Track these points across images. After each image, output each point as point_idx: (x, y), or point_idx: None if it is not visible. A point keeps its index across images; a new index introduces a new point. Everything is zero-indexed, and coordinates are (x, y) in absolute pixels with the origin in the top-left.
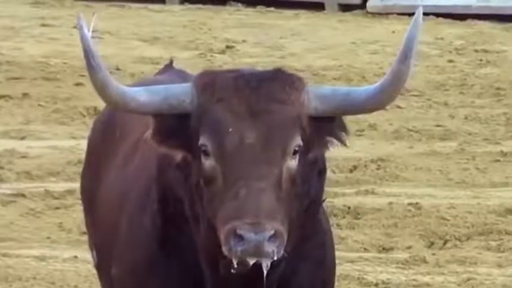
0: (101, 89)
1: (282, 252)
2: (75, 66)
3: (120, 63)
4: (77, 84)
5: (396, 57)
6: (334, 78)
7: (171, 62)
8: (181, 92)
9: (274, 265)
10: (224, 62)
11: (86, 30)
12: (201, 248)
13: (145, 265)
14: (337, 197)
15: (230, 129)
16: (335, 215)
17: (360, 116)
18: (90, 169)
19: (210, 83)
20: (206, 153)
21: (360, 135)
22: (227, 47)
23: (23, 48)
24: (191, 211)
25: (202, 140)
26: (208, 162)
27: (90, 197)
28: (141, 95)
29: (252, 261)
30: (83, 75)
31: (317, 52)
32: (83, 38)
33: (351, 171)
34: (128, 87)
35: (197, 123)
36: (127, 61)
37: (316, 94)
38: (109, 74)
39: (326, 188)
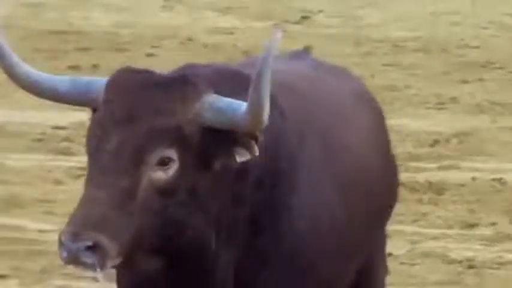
0: (10, 75)
1: (107, 265)
2: (145, 37)
3: (192, 34)
4: (148, 55)
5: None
6: (414, 50)
7: (308, 48)
8: (95, 88)
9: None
10: (300, 33)
11: None
12: None
13: None
14: (418, 172)
15: (96, 134)
16: (417, 190)
17: (441, 89)
18: None
19: (113, 81)
20: None
21: (440, 109)
22: (302, 17)
23: (92, 18)
24: None
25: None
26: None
27: None
28: (61, 85)
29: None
30: (154, 46)
31: (395, 23)
32: None
33: (432, 145)
34: (49, 75)
35: None
36: (199, 32)
37: (212, 106)
38: (19, 60)
39: (407, 163)
